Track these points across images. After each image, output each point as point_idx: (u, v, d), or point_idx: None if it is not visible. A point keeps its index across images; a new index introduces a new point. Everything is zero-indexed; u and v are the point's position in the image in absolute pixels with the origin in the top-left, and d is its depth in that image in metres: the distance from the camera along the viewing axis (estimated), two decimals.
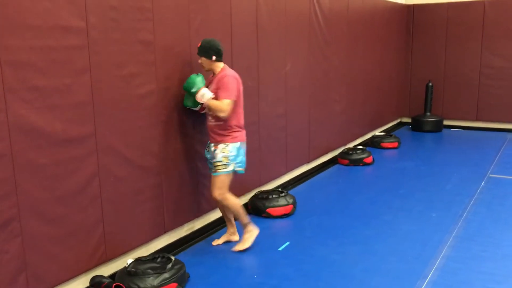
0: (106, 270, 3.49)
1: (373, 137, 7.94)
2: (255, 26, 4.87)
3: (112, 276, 3.46)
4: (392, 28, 8.73)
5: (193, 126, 4.15)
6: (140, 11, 3.52)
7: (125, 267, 3.42)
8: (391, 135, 7.93)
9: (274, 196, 4.86)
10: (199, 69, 4.00)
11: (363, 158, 6.72)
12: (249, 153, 4.91)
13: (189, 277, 3.56)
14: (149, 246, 3.88)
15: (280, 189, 5.08)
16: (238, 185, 4.81)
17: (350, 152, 6.82)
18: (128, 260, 3.51)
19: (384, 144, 7.71)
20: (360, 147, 7.06)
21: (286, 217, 4.80)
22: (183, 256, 3.93)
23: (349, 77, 7.09)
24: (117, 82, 3.40)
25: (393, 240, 4.18)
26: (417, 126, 9.11)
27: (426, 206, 5.01)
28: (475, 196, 5.27)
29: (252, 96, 4.92)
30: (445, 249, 3.96)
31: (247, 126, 4.88)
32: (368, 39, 7.65)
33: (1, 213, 2.73)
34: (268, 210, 4.78)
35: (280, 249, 4.07)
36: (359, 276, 3.57)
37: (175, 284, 3.34)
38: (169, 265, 3.41)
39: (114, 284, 3.20)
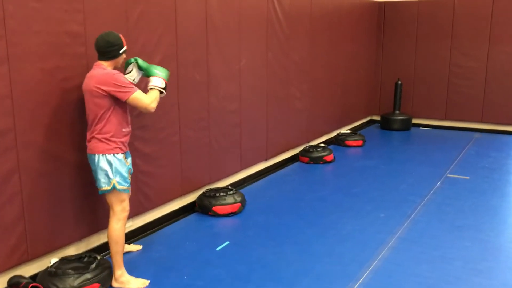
0: (31, 269, 3.38)
1: (338, 135, 7.87)
2: (204, 20, 4.76)
3: (35, 277, 3.34)
4: (362, 25, 8.66)
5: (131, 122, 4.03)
6: (66, 1, 3.38)
7: (47, 267, 3.31)
8: (356, 133, 7.87)
9: (221, 194, 4.76)
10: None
11: (324, 156, 6.65)
12: (198, 149, 4.85)
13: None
14: (80, 245, 3.76)
15: (229, 187, 4.98)
16: (186, 182, 4.74)
17: (311, 150, 6.75)
18: (52, 259, 3.39)
19: (348, 142, 7.65)
20: (322, 144, 6.99)
21: (232, 215, 4.71)
22: None
23: (311, 74, 7.00)
24: (40, 74, 3.27)
25: (333, 241, 4.11)
26: (385, 124, 9.07)
27: (376, 206, 4.95)
28: (428, 197, 5.22)
29: (201, 91, 4.82)
30: (384, 251, 3.90)
31: (197, 122, 4.81)
32: (334, 36, 7.57)
33: None
34: (214, 208, 4.68)
35: (218, 248, 3.98)
36: (290, 278, 3.48)
37: (97, 285, 3.23)
38: (93, 265, 3.30)
39: (31, 285, 3.09)
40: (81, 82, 3.49)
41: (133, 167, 4.03)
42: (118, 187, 3.34)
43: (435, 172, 6.15)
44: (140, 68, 3.54)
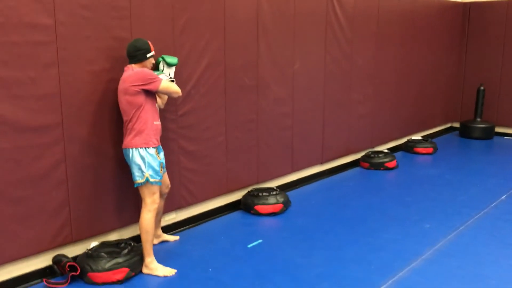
0: (75, 250, 3.74)
1: (408, 141, 7.60)
2: (255, 25, 4.90)
3: (76, 258, 3.70)
4: (443, 27, 8.26)
5: (176, 121, 4.29)
6: (114, 9, 3.72)
7: (86, 249, 3.66)
8: (427, 140, 7.54)
9: (264, 194, 4.88)
10: (180, 67, 4.13)
11: (385, 162, 6.48)
12: (245, 150, 5.01)
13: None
14: (123, 232, 4.09)
15: (274, 188, 5.07)
16: (231, 180, 4.92)
17: (372, 155, 6.61)
18: (92, 243, 3.74)
19: (418, 149, 7.36)
20: (385, 150, 6.80)
21: (273, 215, 4.81)
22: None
23: (378, 79, 6.85)
24: (88, 76, 3.63)
25: (366, 248, 4.04)
26: (465, 132, 8.56)
27: (424, 216, 4.75)
28: (485, 210, 4.90)
29: (250, 94, 4.97)
30: (415, 262, 3.76)
31: (245, 123, 4.97)
32: (407, 40, 7.32)
33: None
34: (256, 207, 4.81)
35: (249, 246, 4.11)
36: (309, 280, 3.51)
37: (126, 269, 3.51)
38: (125, 251, 3.59)
39: (68, 263, 3.45)
40: None
41: (176, 164, 4.31)
42: (151, 180, 3.61)
43: (505, 185, 5.73)
44: (168, 64, 3.83)
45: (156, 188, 3.70)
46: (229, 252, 4.00)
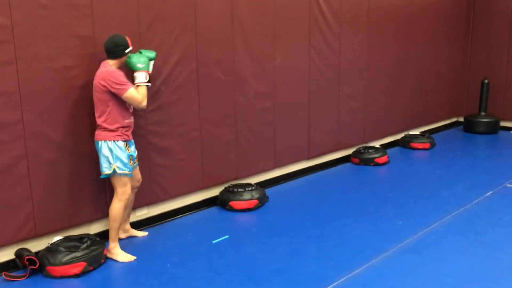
0: (38, 245, 3.84)
1: (405, 136, 7.46)
2: (230, 21, 4.90)
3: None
4: (445, 19, 8.05)
5: (145, 117, 4.34)
6: (75, 8, 3.78)
7: (48, 243, 3.75)
8: (423, 135, 7.39)
9: (240, 190, 4.88)
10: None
11: (375, 157, 6.39)
12: (223, 145, 5.02)
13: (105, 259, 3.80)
14: (90, 226, 4.17)
15: (251, 184, 5.07)
16: (208, 176, 4.94)
17: (363, 150, 6.52)
18: (56, 237, 3.83)
19: (414, 145, 7.22)
20: (377, 146, 6.69)
21: (248, 211, 4.81)
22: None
23: (370, 72, 6.74)
24: (48, 73, 3.70)
25: (330, 244, 4.00)
26: (469, 126, 8.33)
27: (400, 212, 4.67)
28: (466, 207, 4.78)
29: (226, 89, 4.97)
30: (376, 259, 3.70)
31: (221, 119, 4.99)
32: (404, 32, 7.17)
33: None
34: (231, 203, 4.83)
35: (214, 241, 4.12)
36: (263, 276, 3.50)
37: (83, 263, 3.58)
38: (83, 245, 3.66)
39: (27, 257, 3.54)
40: (90, 80, 3.89)
41: (147, 160, 4.36)
42: (118, 171, 3.74)
43: (493, 181, 5.57)
44: (150, 59, 3.95)
45: (126, 180, 3.82)
46: (193, 247, 4.03)
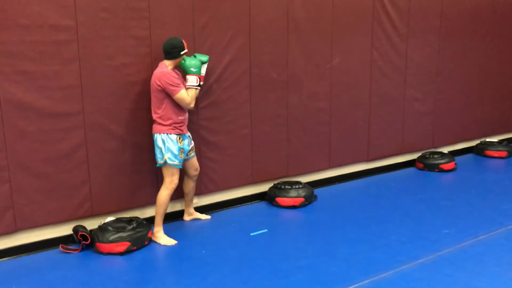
0: (93, 223, 4.25)
1: (480, 143, 7.05)
2: (285, 22, 5.01)
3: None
4: None
5: (197, 113, 4.62)
6: (133, 11, 4.14)
7: (101, 223, 4.16)
8: (501, 143, 6.92)
9: (287, 187, 5.00)
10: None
11: (440, 163, 6.14)
12: (274, 143, 5.17)
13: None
14: (142, 211, 4.53)
15: (300, 182, 5.14)
16: (257, 172, 5.12)
17: (428, 155, 6.29)
18: (108, 217, 4.23)
19: (489, 152, 6.81)
20: (444, 151, 6.41)
21: (293, 208, 4.91)
22: (169, 225, 4.47)
23: (441, 75, 6.47)
24: (107, 70, 4.10)
25: (364, 248, 3.97)
26: None
27: (449, 221, 4.49)
28: None
29: (278, 89, 5.11)
30: (407, 265, 3.62)
31: (273, 118, 5.14)
32: (482, 33, 6.78)
33: None
34: (277, 199, 4.96)
35: (252, 234, 4.29)
36: (287, 271, 3.59)
37: (127, 243, 3.93)
38: (129, 227, 4.02)
39: (80, 233, 3.98)
40: (146, 77, 4.25)
41: (197, 153, 4.64)
42: (169, 162, 4.09)
43: None
44: (202, 62, 4.25)
45: (175, 170, 4.15)
46: (231, 238, 4.23)
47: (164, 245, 4.10)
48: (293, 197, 4.92)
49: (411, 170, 6.29)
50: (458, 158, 6.57)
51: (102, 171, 4.22)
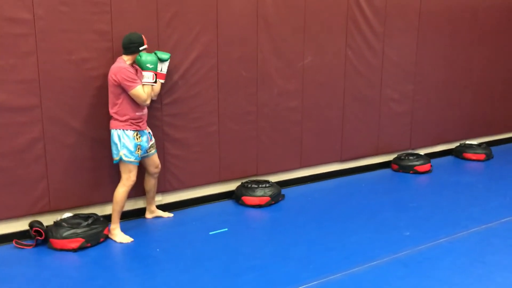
0: (51, 219, 4.19)
1: (459, 145, 6.99)
2: (255, 19, 4.96)
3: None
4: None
5: (161, 109, 4.58)
6: (94, 5, 4.10)
7: (57, 219, 4.12)
8: (480, 146, 6.86)
9: (253, 186, 4.95)
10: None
11: (415, 165, 6.08)
12: (243, 141, 5.12)
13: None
14: (105, 208, 4.49)
15: (268, 181, 5.10)
16: (225, 170, 5.08)
17: (403, 157, 6.23)
18: (66, 213, 4.19)
19: (467, 155, 6.74)
20: (419, 153, 6.35)
21: (259, 207, 4.86)
22: (129, 222, 4.44)
23: (420, 76, 6.41)
24: (67, 65, 4.06)
25: (320, 248, 3.93)
26: None
27: (413, 224, 4.44)
28: (490, 225, 4.41)
29: (248, 87, 5.06)
30: (361, 267, 3.58)
31: (242, 115, 5.09)
32: (462, 32, 6.70)
33: None
34: (243, 198, 4.91)
35: (211, 233, 4.25)
36: (239, 271, 3.55)
37: (81, 240, 3.89)
38: (84, 224, 3.98)
39: (34, 228, 3.94)
40: (106, 72, 4.20)
41: (161, 149, 4.60)
42: (124, 158, 4.04)
43: None
44: (160, 59, 4.24)
45: (132, 167, 4.10)
46: (189, 236, 4.19)
47: (120, 243, 4.06)
48: (258, 196, 4.88)
49: (386, 171, 6.24)
50: (435, 161, 6.52)
51: (60, 166, 4.18)
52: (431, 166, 6.19)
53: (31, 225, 4.04)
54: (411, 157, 6.19)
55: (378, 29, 5.90)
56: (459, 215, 4.67)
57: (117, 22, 4.22)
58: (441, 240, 4.09)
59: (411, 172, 6.08)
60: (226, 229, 4.33)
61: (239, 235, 4.23)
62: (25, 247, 3.94)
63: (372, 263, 3.66)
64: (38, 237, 3.95)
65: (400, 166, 6.17)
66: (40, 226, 4.01)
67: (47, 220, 4.20)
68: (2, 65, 3.81)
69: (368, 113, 6.07)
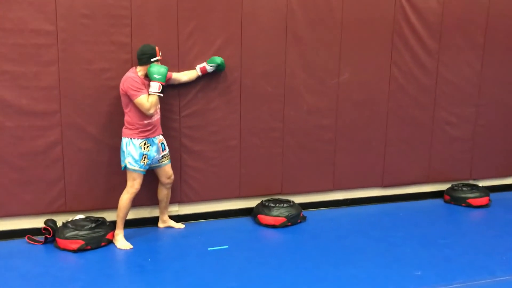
0: (66, 219, 4.40)
1: None
2: (284, 33, 4.82)
3: None
4: None
5: (178, 121, 4.62)
6: (114, 18, 4.27)
7: (68, 219, 4.33)
8: None
9: (271, 204, 4.78)
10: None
11: (468, 197, 5.43)
12: (266, 157, 4.99)
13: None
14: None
15: (290, 201, 4.88)
16: (246, 186, 4.98)
17: (457, 187, 5.60)
18: (78, 215, 4.39)
19: None
20: (477, 184, 5.65)
21: (273, 228, 4.67)
22: (140, 230, 4.52)
23: (483, 98, 5.73)
24: (86, 74, 4.28)
25: (308, 279, 3.63)
26: None
27: (430, 263, 3.94)
28: None
29: (273, 102, 4.92)
30: None
31: (266, 131, 4.97)
32: None
33: None
34: (259, 216, 4.76)
35: (210, 249, 4.16)
36: None
37: (81, 242, 4.04)
38: (87, 227, 4.13)
39: (44, 226, 4.18)
40: None
41: (178, 160, 4.64)
42: (129, 166, 4.17)
43: None
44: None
45: (136, 175, 4.19)
46: (185, 250, 4.15)
47: (120, 249, 4.15)
48: (273, 216, 4.69)
49: (436, 201, 5.65)
50: (498, 195, 5.77)
51: (76, 170, 4.40)
52: (489, 200, 5.48)
53: (45, 223, 4.30)
54: (465, 188, 5.54)
55: (431, 46, 5.39)
56: (493, 259, 4.05)
57: (137, 35, 4.36)
58: (455, 285, 3.58)
59: (463, 205, 5.44)
60: (227, 246, 4.22)
61: (236, 255, 4.08)
62: (35, 243, 4.20)
63: None
64: (47, 235, 4.18)
65: (452, 197, 5.55)
66: (52, 225, 4.24)
67: (63, 220, 4.43)
68: (26, 72, 4.13)
69: (417, 136, 5.57)
